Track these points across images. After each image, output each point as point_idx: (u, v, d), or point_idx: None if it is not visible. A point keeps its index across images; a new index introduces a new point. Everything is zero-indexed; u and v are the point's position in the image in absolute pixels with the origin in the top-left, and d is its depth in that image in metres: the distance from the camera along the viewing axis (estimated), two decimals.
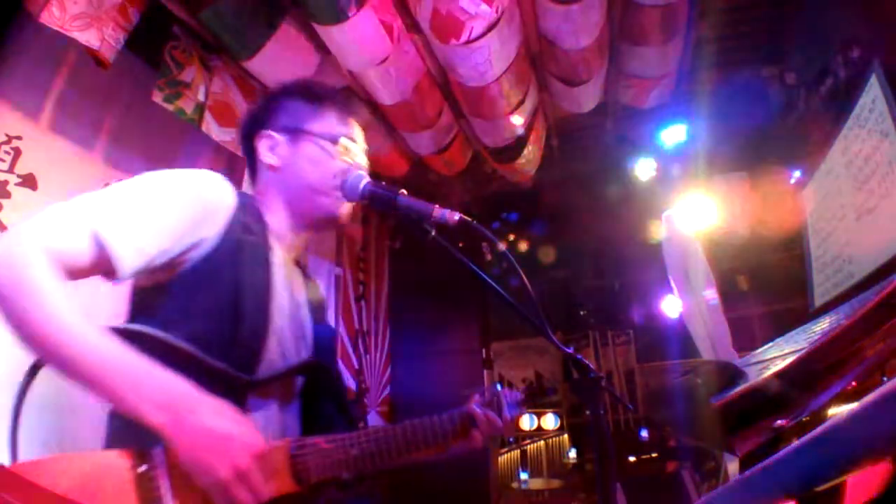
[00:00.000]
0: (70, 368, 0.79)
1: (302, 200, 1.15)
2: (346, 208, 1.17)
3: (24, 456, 0.81)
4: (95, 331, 0.82)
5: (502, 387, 1.34)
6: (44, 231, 0.84)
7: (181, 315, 0.95)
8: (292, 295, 1.14)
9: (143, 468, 0.81)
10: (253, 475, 0.81)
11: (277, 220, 1.15)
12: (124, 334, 0.95)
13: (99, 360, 0.79)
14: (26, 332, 0.80)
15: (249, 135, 1.19)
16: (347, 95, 1.27)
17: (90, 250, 0.86)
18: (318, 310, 1.24)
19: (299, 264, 1.26)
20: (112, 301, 1.04)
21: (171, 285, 0.96)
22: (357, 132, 1.21)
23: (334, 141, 1.15)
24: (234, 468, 0.80)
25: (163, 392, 0.80)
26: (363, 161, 1.21)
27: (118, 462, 0.81)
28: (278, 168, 1.15)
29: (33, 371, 0.88)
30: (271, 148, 1.16)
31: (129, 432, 0.80)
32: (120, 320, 1.00)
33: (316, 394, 1.16)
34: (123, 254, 0.87)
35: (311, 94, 1.20)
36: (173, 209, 0.94)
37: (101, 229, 0.86)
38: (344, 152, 1.16)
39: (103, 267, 0.87)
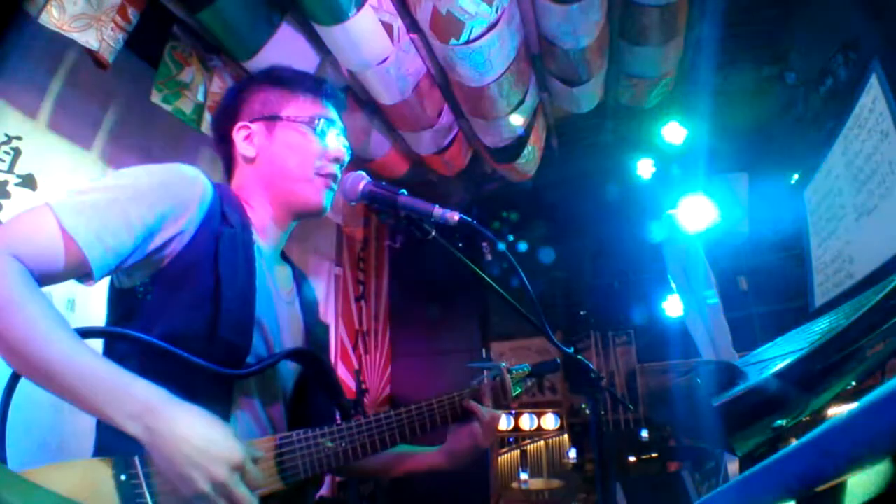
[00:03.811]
0: (46, 382, 0.77)
1: (283, 190, 1.12)
2: (328, 196, 1.14)
3: (23, 456, 0.81)
4: (71, 340, 0.79)
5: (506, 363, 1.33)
6: (12, 238, 0.82)
7: (163, 312, 0.92)
8: (280, 289, 1.12)
9: (124, 476, 0.80)
10: (232, 485, 0.79)
11: (259, 213, 1.12)
12: (105, 335, 0.95)
13: (74, 372, 0.77)
14: (1, 347, 0.78)
15: (223, 129, 1.16)
16: (320, 79, 1.24)
17: (62, 253, 0.83)
18: (309, 305, 1.21)
19: (286, 258, 1.23)
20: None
21: (151, 283, 0.94)
22: (333, 113, 1.18)
23: (311, 123, 1.12)
24: (212, 479, 0.77)
25: (137, 402, 0.78)
26: (343, 142, 1.18)
27: (101, 471, 0.80)
28: (256, 159, 1.12)
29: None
30: (248, 138, 1.13)
31: (117, 436, 0.78)
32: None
33: (308, 386, 1.14)
34: (95, 254, 0.85)
35: (283, 79, 1.17)
36: (145, 205, 0.91)
37: (70, 230, 0.83)
38: (321, 134, 1.13)
39: (76, 269, 0.85)
